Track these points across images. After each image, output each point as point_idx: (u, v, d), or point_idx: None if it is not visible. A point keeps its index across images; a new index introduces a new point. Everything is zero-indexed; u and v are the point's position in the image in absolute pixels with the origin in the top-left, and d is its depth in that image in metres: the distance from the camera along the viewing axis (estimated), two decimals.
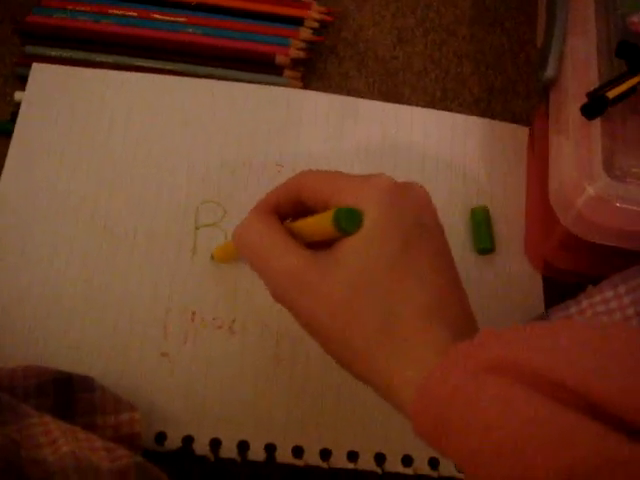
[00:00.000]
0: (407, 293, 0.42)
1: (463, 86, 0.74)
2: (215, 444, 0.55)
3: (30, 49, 0.68)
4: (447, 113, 0.71)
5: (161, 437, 0.55)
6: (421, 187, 0.47)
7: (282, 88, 0.69)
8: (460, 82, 0.74)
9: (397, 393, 0.41)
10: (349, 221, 0.42)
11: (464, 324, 0.43)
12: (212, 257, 0.61)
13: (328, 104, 0.68)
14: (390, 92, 0.72)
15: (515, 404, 0.35)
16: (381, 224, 0.43)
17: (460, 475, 0.56)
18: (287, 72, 0.70)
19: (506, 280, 0.64)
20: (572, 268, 0.61)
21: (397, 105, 0.70)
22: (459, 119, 0.70)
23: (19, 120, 0.64)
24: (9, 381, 0.52)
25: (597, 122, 0.54)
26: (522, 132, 0.70)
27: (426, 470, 0.56)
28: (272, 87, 0.69)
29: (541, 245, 0.62)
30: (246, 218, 0.49)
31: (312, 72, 0.73)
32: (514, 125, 0.71)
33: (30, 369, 0.53)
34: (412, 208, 0.44)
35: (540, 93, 0.65)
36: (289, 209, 0.50)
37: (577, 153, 0.54)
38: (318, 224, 0.45)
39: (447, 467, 0.57)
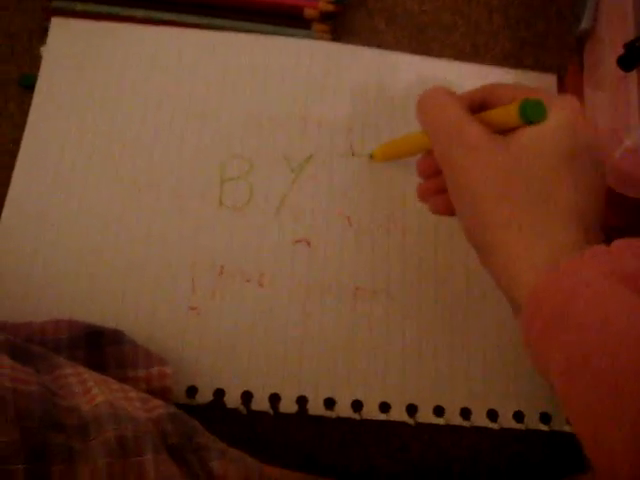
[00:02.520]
0: (563, 189, 0.44)
1: (493, 40, 0.73)
2: (247, 397, 0.56)
3: (57, 3, 0.68)
4: (475, 65, 0.70)
5: (192, 391, 0.55)
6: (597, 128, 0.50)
7: (309, 40, 0.68)
8: (490, 36, 0.73)
9: (516, 270, 0.43)
10: (534, 110, 0.45)
11: (596, 238, 0.45)
12: (371, 156, 0.63)
13: (357, 57, 0.68)
14: (419, 47, 0.71)
15: (638, 312, 0.35)
16: (562, 126, 0.45)
17: (493, 425, 0.56)
18: (316, 26, 0.69)
19: None
20: (608, 223, 0.61)
21: (422, 57, 0.70)
22: (485, 70, 0.70)
23: (40, 76, 0.64)
24: (41, 335, 0.52)
25: (634, 74, 0.54)
26: (550, 80, 0.69)
27: (458, 420, 0.56)
28: (299, 39, 0.68)
29: None
30: (433, 93, 0.51)
31: (341, 26, 0.71)
32: (541, 74, 0.70)
33: (61, 323, 0.53)
34: (588, 131, 0.46)
35: (574, 46, 0.64)
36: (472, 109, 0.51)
37: (613, 105, 0.53)
38: (502, 112, 0.47)
39: (479, 417, 0.57)
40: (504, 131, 0.47)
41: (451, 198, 0.49)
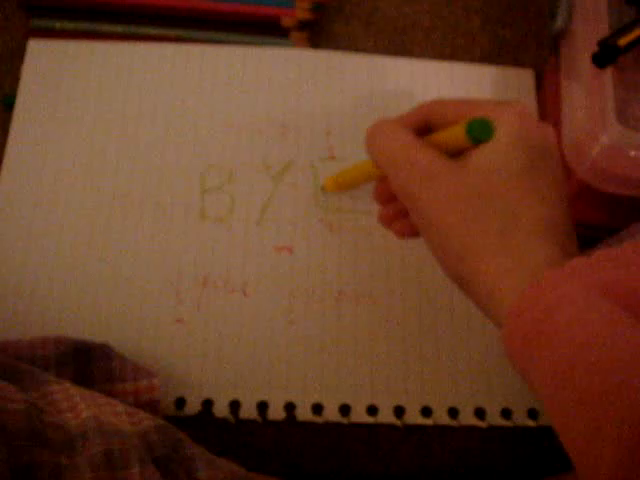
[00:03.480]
0: (528, 205, 0.43)
1: (472, 41, 0.73)
2: (235, 406, 0.56)
3: (36, 22, 0.68)
4: (446, 63, 0.70)
5: (181, 402, 0.56)
6: (549, 125, 0.48)
7: (285, 49, 0.68)
8: (469, 37, 0.73)
9: (499, 295, 0.42)
10: (482, 129, 0.45)
11: (571, 246, 0.44)
12: (323, 188, 0.62)
13: (333, 61, 0.68)
14: (399, 51, 0.72)
15: (621, 328, 0.35)
16: (513, 139, 0.44)
17: (481, 423, 0.56)
18: (293, 34, 0.70)
19: None
20: (587, 220, 0.61)
21: (400, 58, 0.70)
22: (459, 68, 0.70)
23: (18, 96, 0.65)
24: (29, 352, 0.52)
25: (609, 71, 0.54)
26: (527, 75, 0.69)
27: (446, 420, 0.57)
28: (274, 48, 0.68)
29: None
30: (380, 124, 0.51)
31: (319, 33, 0.72)
32: (519, 69, 0.70)
33: (48, 339, 0.53)
34: (540, 134, 0.46)
35: (551, 45, 0.64)
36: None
37: (590, 103, 0.54)
38: (449, 134, 0.47)
39: (466, 416, 0.57)
40: (454, 153, 0.46)
41: (418, 230, 0.48)
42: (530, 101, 0.68)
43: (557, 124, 0.59)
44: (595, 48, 0.54)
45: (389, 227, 0.57)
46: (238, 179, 0.63)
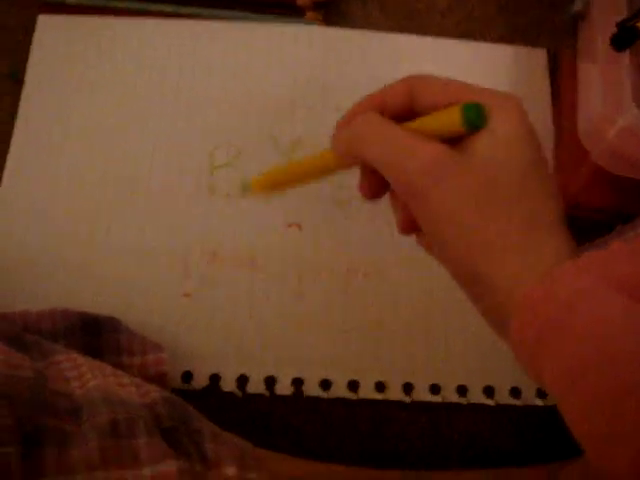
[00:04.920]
0: (542, 199, 0.41)
1: (487, 26, 0.72)
2: (242, 380, 0.56)
3: None
4: (459, 42, 0.70)
5: (188, 376, 0.56)
6: None
7: (298, 25, 0.68)
8: (484, 22, 0.72)
9: (515, 291, 0.40)
10: (477, 115, 0.41)
11: (574, 241, 0.42)
12: (245, 188, 0.61)
13: (345, 39, 0.68)
14: (413, 33, 0.71)
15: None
16: (518, 130, 0.42)
17: (489, 402, 0.56)
18: (309, 14, 0.69)
19: None
20: (601, 205, 0.61)
21: (413, 35, 0.69)
22: (472, 47, 0.70)
23: (28, 69, 0.65)
24: (37, 324, 0.53)
25: (626, 53, 0.53)
26: (540, 55, 0.69)
27: (455, 398, 0.56)
28: (286, 25, 0.68)
29: (570, 182, 0.61)
30: (354, 118, 0.46)
31: (334, 14, 0.71)
32: (532, 49, 0.69)
33: (56, 312, 0.53)
34: (533, 128, 0.44)
35: (568, 29, 0.64)
36: (395, 111, 0.47)
37: (606, 86, 0.53)
38: (442, 118, 0.43)
39: (475, 394, 0.57)
40: (444, 140, 0.43)
41: (425, 232, 0.45)
42: (543, 81, 0.68)
43: (573, 108, 0.58)
44: (613, 30, 0.53)
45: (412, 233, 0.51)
46: (247, 155, 0.63)
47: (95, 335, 0.53)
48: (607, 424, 0.33)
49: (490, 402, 0.56)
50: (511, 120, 0.42)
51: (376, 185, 0.48)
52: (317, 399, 0.56)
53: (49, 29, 0.67)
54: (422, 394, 0.56)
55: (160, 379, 0.53)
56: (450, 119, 0.42)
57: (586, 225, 0.62)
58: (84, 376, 0.47)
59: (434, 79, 0.46)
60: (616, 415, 0.33)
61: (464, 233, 0.42)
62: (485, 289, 0.42)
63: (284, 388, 0.56)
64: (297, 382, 0.56)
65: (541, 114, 0.67)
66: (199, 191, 0.61)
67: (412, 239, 0.59)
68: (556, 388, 0.36)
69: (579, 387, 0.34)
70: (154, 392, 0.48)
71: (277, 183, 0.54)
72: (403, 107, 0.46)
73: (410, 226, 0.48)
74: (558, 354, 0.36)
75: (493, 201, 0.41)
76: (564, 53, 0.67)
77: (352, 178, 0.60)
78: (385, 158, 0.43)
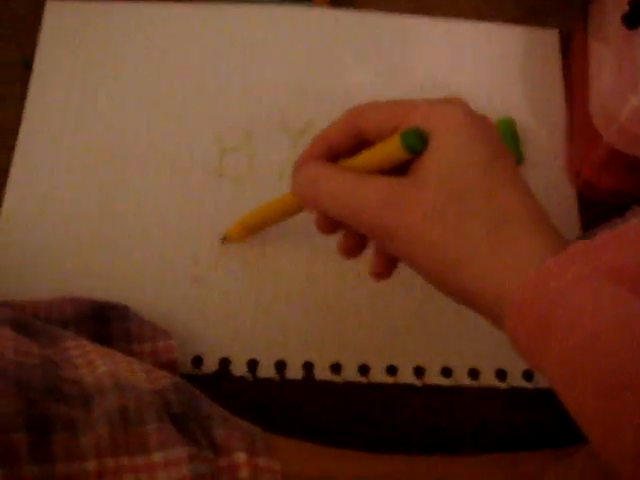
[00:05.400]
0: (507, 196, 0.41)
1: (499, 7, 0.72)
2: (252, 365, 0.56)
3: None
4: (469, 23, 0.69)
5: (198, 361, 0.56)
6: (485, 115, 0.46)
7: (306, 7, 0.68)
8: (496, 3, 0.72)
9: (508, 295, 0.39)
10: (419, 138, 0.42)
11: (558, 232, 0.42)
12: (224, 241, 0.59)
13: (355, 21, 0.68)
14: (423, 15, 0.71)
15: (633, 312, 0.33)
16: (467, 134, 0.42)
17: (502, 384, 0.56)
18: None
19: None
20: (615, 187, 0.60)
21: (424, 17, 0.69)
22: (483, 28, 0.69)
23: (37, 55, 0.65)
24: (47, 312, 0.53)
25: (639, 32, 0.53)
26: (552, 35, 0.69)
27: (466, 381, 0.56)
28: (295, 6, 0.68)
29: (583, 163, 0.61)
30: (305, 168, 0.47)
31: None
32: (544, 29, 0.69)
33: (66, 300, 0.54)
34: (487, 124, 0.44)
35: (579, 9, 0.63)
36: (344, 147, 0.48)
37: (619, 64, 0.53)
38: (385, 150, 0.44)
39: (487, 377, 0.56)
40: (395, 167, 0.44)
41: (401, 260, 0.46)
42: (555, 62, 0.68)
43: (585, 88, 0.58)
44: (625, 8, 0.53)
45: (352, 257, 0.52)
46: (256, 139, 0.63)
47: (105, 323, 0.53)
48: (609, 413, 0.33)
49: (503, 385, 0.56)
50: (451, 130, 0.42)
51: (332, 222, 0.49)
52: (328, 383, 0.56)
53: (58, 14, 0.67)
54: (434, 377, 0.56)
55: (170, 366, 0.53)
56: (393, 148, 0.43)
57: (600, 208, 0.61)
58: (93, 362, 0.47)
59: (373, 106, 0.47)
60: (617, 403, 0.32)
61: (436, 251, 0.42)
62: (474, 300, 0.42)
63: (294, 372, 0.56)
64: (307, 366, 0.56)
65: (553, 95, 0.66)
66: (208, 176, 0.61)
67: None
68: (557, 382, 0.36)
69: (578, 378, 0.34)
70: (164, 378, 0.48)
71: (251, 228, 0.58)
72: (351, 140, 0.47)
73: (351, 252, 0.51)
74: (554, 349, 0.35)
75: (455, 214, 0.41)
76: (576, 33, 0.66)
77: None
78: (343, 211, 0.44)
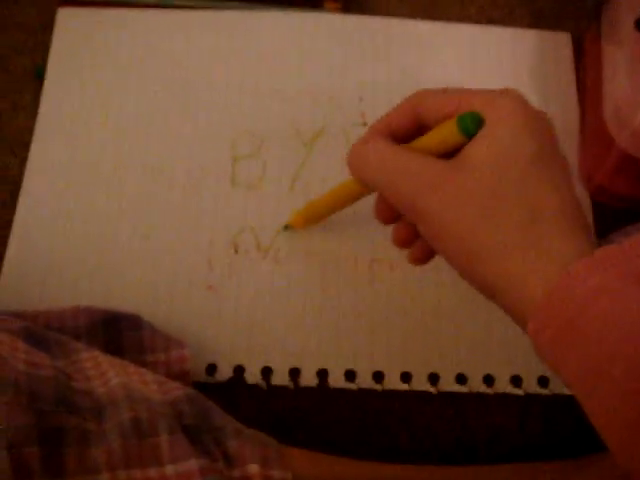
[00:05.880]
0: (544, 194, 0.40)
1: (510, 13, 0.71)
2: (266, 372, 0.56)
3: None
4: (480, 27, 0.69)
5: (212, 369, 0.56)
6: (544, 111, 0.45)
7: (315, 13, 0.68)
8: (507, 9, 0.71)
9: (529, 294, 0.39)
10: (473, 122, 0.42)
11: (591, 235, 0.41)
12: (287, 227, 0.60)
13: (364, 26, 0.68)
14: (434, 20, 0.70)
15: None
16: (516, 127, 0.42)
17: (517, 391, 0.56)
18: (327, 4, 0.69)
19: None
20: (627, 192, 0.60)
21: (433, 22, 0.69)
22: (494, 32, 0.69)
23: (49, 65, 0.65)
24: (59, 322, 0.53)
25: None
26: (564, 39, 0.68)
27: (481, 388, 0.56)
28: (304, 13, 0.68)
29: (595, 168, 0.60)
30: (363, 143, 0.47)
31: (353, 4, 0.70)
32: (555, 33, 0.69)
33: (79, 310, 0.54)
34: (541, 119, 0.43)
35: (591, 14, 0.63)
36: (403, 132, 0.48)
37: (632, 69, 0.53)
38: (441, 134, 0.45)
39: (502, 384, 0.56)
40: (451, 152, 0.44)
41: (430, 242, 0.45)
42: (567, 65, 0.67)
43: (598, 92, 0.57)
44: (638, 12, 0.52)
45: (405, 248, 0.52)
46: (269, 146, 0.63)
47: (117, 333, 0.53)
48: (634, 420, 0.32)
49: (518, 392, 0.56)
50: (504, 120, 0.42)
51: (390, 210, 0.49)
52: (342, 391, 0.56)
53: (69, 21, 0.67)
54: (448, 384, 0.56)
55: (183, 376, 0.53)
56: (448, 132, 0.43)
57: (612, 213, 0.61)
58: (106, 374, 0.47)
59: (432, 92, 0.47)
60: None
61: (464, 240, 0.41)
62: (495, 293, 0.42)
63: (309, 379, 0.56)
64: (322, 373, 0.56)
65: (566, 99, 0.66)
66: (221, 183, 0.61)
67: None
68: (580, 388, 0.36)
69: (603, 386, 0.34)
70: (177, 389, 0.48)
71: (314, 216, 0.59)
72: (410, 126, 0.47)
73: (403, 243, 0.51)
74: (579, 354, 0.35)
75: (489, 204, 0.41)
76: (588, 37, 0.66)
77: None
78: (384, 183, 0.45)
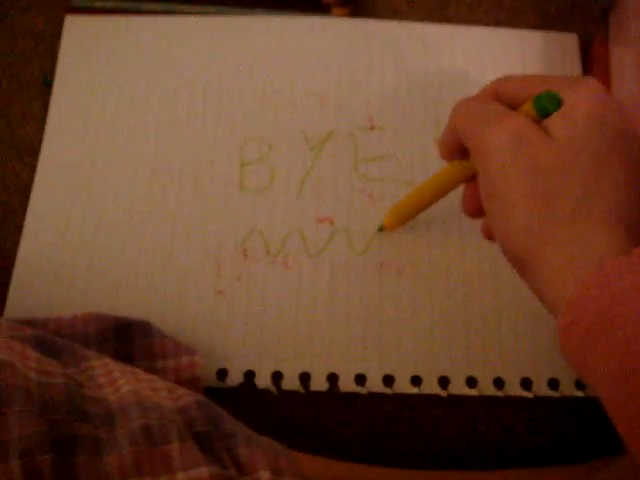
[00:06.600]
0: (603, 189, 0.40)
1: (517, 16, 0.71)
2: (277, 377, 0.56)
3: (76, 1, 0.68)
4: (488, 29, 0.69)
5: (222, 373, 0.56)
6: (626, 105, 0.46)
7: (322, 18, 0.68)
8: (514, 12, 0.71)
9: (561, 285, 0.39)
10: (550, 102, 0.42)
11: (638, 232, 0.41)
12: (381, 229, 0.60)
13: (371, 30, 0.68)
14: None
15: None
16: (589, 117, 0.41)
17: (527, 394, 0.55)
18: (335, 10, 0.69)
19: None
20: None
21: (440, 24, 0.69)
22: (501, 34, 0.69)
23: (57, 73, 0.66)
24: (70, 329, 0.53)
25: None
26: (571, 40, 0.68)
27: (491, 391, 0.56)
28: (311, 17, 0.68)
29: None
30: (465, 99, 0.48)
31: (361, 9, 0.70)
32: (562, 33, 0.68)
33: (89, 316, 0.54)
34: (617, 113, 0.43)
35: (599, 17, 0.63)
36: None
37: None
38: (519, 113, 0.44)
39: (512, 387, 0.56)
40: None
41: (483, 203, 0.45)
42: (574, 66, 0.67)
43: None
44: None
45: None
46: (277, 150, 0.63)
47: (128, 340, 0.54)
48: None
49: (528, 394, 0.55)
50: (579, 107, 0.41)
51: (478, 200, 0.48)
52: (352, 395, 0.56)
53: (76, 29, 0.67)
54: (458, 387, 0.56)
55: (194, 383, 0.53)
56: (526, 111, 0.44)
57: None
58: (117, 382, 0.47)
59: (513, 78, 0.47)
60: None
61: (512, 209, 0.41)
62: (527, 272, 0.42)
63: (319, 384, 0.56)
64: (332, 378, 0.56)
65: None
66: (229, 188, 0.62)
67: (446, 232, 0.59)
68: (604, 385, 0.35)
69: (631, 385, 0.33)
70: (187, 396, 0.48)
71: (406, 214, 0.58)
72: None
73: (475, 206, 0.49)
74: (607, 352, 0.35)
75: (551, 184, 0.40)
76: (596, 40, 0.66)
77: (383, 171, 0.60)
78: (470, 125, 0.45)
